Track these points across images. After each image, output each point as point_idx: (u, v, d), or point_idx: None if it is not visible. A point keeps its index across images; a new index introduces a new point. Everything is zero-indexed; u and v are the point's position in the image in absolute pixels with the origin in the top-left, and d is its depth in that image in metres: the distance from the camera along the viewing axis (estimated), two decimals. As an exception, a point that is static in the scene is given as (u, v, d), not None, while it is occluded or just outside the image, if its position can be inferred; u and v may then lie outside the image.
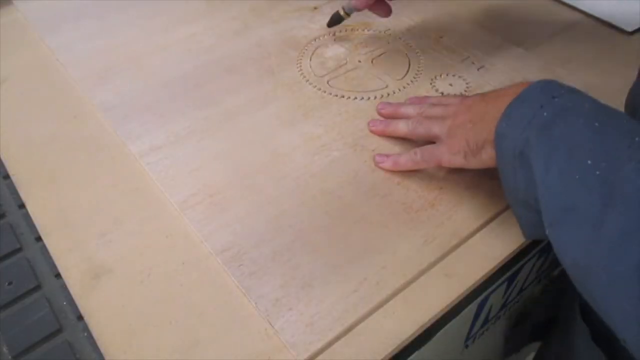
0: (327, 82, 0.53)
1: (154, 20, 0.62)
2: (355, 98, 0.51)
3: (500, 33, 0.58)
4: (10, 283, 0.38)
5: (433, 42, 0.57)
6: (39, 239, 0.41)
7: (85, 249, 0.40)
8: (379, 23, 0.60)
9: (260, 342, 0.34)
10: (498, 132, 0.35)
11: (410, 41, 0.57)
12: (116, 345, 0.34)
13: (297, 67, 0.54)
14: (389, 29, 0.59)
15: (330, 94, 0.51)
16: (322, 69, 0.54)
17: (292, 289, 0.37)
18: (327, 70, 0.54)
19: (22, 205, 0.43)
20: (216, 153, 0.46)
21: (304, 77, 0.53)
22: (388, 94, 0.51)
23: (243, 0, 0.64)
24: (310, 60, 0.55)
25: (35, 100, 0.53)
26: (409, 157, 0.43)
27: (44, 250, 0.40)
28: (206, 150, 0.46)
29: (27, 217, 0.42)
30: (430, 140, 0.43)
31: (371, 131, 0.47)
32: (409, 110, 0.47)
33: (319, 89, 0.52)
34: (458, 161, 0.39)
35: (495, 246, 0.40)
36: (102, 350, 0.34)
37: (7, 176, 0.45)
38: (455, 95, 0.49)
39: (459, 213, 0.41)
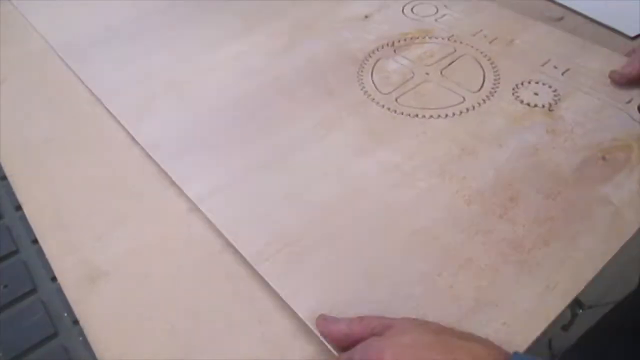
0: (396, 100, 0.47)
1: (188, 41, 0.57)
2: (431, 116, 0.45)
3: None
4: (5, 286, 0.37)
5: (506, 46, 0.51)
6: (35, 241, 0.40)
7: (82, 252, 0.39)
8: (440, 29, 0.54)
9: (257, 347, 0.33)
10: None
11: (478, 47, 0.51)
12: (112, 350, 0.33)
13: (359, 85, 0.49)
14: (452, 35, 0.53)
15: (402, 113, 0.45)
16: (387, 85, 0.48)
17: (401, 357, 0.31)
18: (393, 86, 0.48)
19: (18, 207, 0.42)
20: (284, 192, 0.40)
21: (369, 95, 0.47)
22: (467, 109, 0.45)
23: (283, 15, 0.59)
24: (372, 75, 0.50)
25: (33, 101, 0.52)
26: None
27: (40, 252, 0.39)
28: (272, 189, 0.41)
29: (24, 219, 0.41)
30: None
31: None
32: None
33: (388, 109, 0.46)
34: None
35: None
36: (98, 355, 0.33)
37: (4, 177, 0.45)
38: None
39: (578, 250, 0.35)
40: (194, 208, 0.41)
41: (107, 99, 0.50)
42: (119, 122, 0.48)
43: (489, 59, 0.50)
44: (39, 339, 0.35)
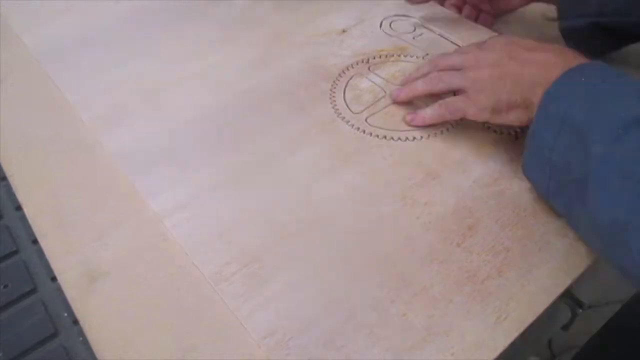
0: (366, 120, 0.47)
1: (164, 50, 0.56)
2: (399, 139, 0.45)
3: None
4: (5, 286, 0.37)
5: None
6: (35, 241, 0.40)
7: (82, 252, 0.39)
8: (416, 48, 0.55)
9: (256, 347, 0.33)
10: (547, 98, 0.36)
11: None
12: (112, 350, 0.34)
13: (331, 102, 0.49)
14: (428, 54, 0.54)
15: (371, 134, 0.46)
16: (358, 104, 0.49)
17: (350, 385, 0.32)
18: (363, 105, 0.49)
19: (18, 207, 0.42)
20: (249, 210, 0.41)
21: (339, 114, 0.48)
22: (435, 133, 0.46)
23: (260, 25, 0.59)
24: (345, 93, 0.50)
25: (33, 101, 0.52)
26: (433, 111, 0.45)
27: (40, 253, 0.39)
28: (237, 206, 0.41)
29: (24, 219, 0.41)
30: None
31: (395, 102, 0.48)
32: (423, 68, 0.48)
33: (357, 129, 0.46)
34: (484, 116, 0.41)
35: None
36: (98, 355, 0.34)
37: (4, 178, 0.45)
38: (470, 45, 0.47)
39: (532, 282, 0.36)
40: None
41: (81, 106, 0.50)
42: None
43: (462, 82, 0.50)
44: (39, 339, 0.35)
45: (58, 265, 0.38)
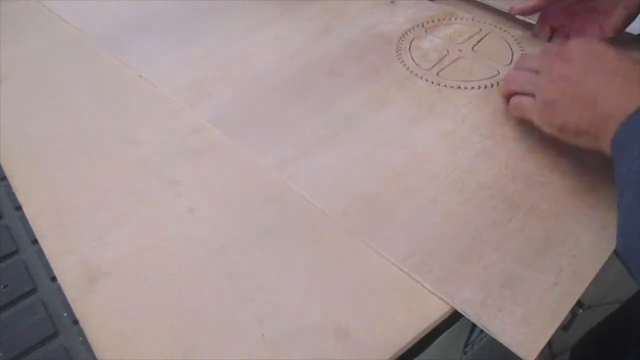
0: (437, 74, 0.51)
1: (225, 28, 0.59)
2: (473, 88, 0.50)
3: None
4: (5, 286, 0.37)
5: (526, 27, 0.57)
6: (35, 241, 0.40)
7: (82, 252, 0.39)
8: (463, 12, 0.59)
9: (256, 347, 0.33)
10: (619, 138, 0.33)
11: (500, 25, 0.57)
12: (112, 350, 0.34)
13: (400, 63, 0.53)
14: (474, 17, 0.58)
15: (445, 85, 0.50)
16: (426, 61, 0.53)
17: (493, 289, 0.35)
18: (431, 62, 0.53)
19: (18, 207, 0.42)
20: (355, 159, 0.44)
21: (412, 71, 0.52)
22: (503, 81, 0.50)
23: (312, 1, 0.62)
24: (411, 53, 0.54)
25: (33, 101, 0.52)
26: (512, 101, 0.43)
27: (40, 253, 0.39)
28: (343, 156, 0.44)
29: (24, 219, 0.41)
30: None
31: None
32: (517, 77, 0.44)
33: (432, 82, 0.50)
34: (550, 131, 0.39)
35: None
36: (98, 355, 0.33)
37: (4, 177, 0.45)
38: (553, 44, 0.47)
39: (623, 193, 0.41)
40: (194, 208, 0.41)
41: (162, 82, 0.52)
42: (119, 122, 0.49)
43: (512, 37, 0.55)
44: (39, 339, 0.35)
45: (58, 265, 0.38)
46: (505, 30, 0.56)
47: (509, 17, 0.57)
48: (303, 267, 0.37)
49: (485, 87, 0.50)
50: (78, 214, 0.41)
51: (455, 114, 0.47)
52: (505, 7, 0.58)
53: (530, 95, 0.41)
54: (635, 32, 0.58)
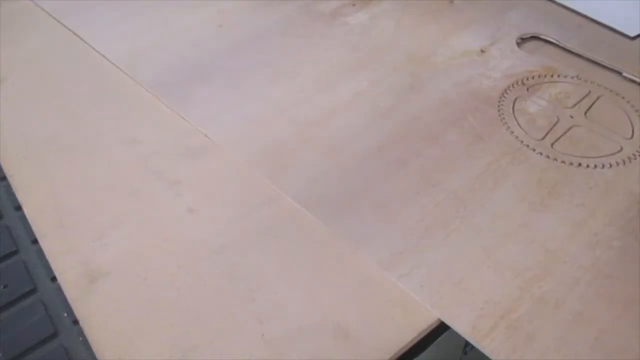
0: (552, 146, 0.45)
1: (299, 78, 0.52)
2: (596, 166, 0.43)
3: None
4: (5, 286, 0.37)
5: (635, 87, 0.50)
6: (35, 241, 0.40)
7: (82, 252, 0.38)
8: (563, 68, 0.53)
9: (256, 347, 0.33)
10: None
11: (610, 86, 0.50)
12: (112, 350, 0.33)
13: (506, 129, 0.46)
14: (579, 74, 0.52)
15: (564, 162, 0.44)
16: (535, 129, 0.46)
17: None
18: (542, 130, 0.46)
19: (18, 207, 0.42)
20: (475, 253, 0.37)
21: (521, 141, 0.45)
22: (629, 159, 0.44)
23: (389, 47, 0.56)
24: (515, 118, 0.47)
25: (33, 101, 0.51)
26: None
27: (40, 253, 0.39)
28: (461, 251, 0.38)
29: (24, 219, 0.41)
30: None
31: None
32: None
33: (548, 157, 0.44)
34: None
35: None
36: (98, 355, 0.33)
37: (4, 177, 0.44)
38: None
39: None
40: (194, 208, 0.41)
41: (232, 147, 0.45)
42: (119, 121, 0.48)
43: (628, 101, 0.49)
44: (39, 339, 0.35)
45: (58, 265, 0.38)
46: (617, 94, 0.50)
47: (618, 76, 0.51)
48: (303, 267, 0.37)
49: (610, 166, 0.43)
50: (78, 214, 0.41)
51: (583, 200, 0.41)
52: (615, 64, 0.52)
53: None
54: (631, 35, 0.54)
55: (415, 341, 0.33)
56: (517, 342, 0.33)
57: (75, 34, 0.58)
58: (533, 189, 0.42)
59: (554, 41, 0.56)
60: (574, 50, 0.55)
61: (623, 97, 0.49)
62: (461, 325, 0.34)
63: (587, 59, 0.54)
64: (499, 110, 0.48)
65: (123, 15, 0.61)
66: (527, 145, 0.45)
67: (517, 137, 0.46)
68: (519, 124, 0.47)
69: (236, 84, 0.52)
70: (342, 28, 0.59)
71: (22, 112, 0.49)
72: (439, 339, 0.35)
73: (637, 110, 0.48)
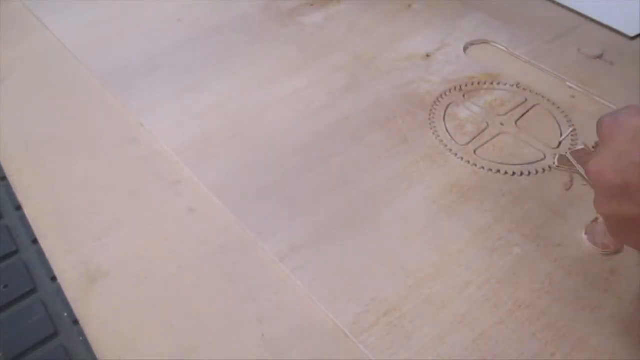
0: (474, 152, 0.45)
1: (243, 74, 0.53)
2: (514, 173, 0.43)
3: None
4: (5, 286, 0.37)
5: (576, 97, 0.50)
6: (35, 241, 0.40)
7: (82, 252, 0.39)
8: (506, 75, 0.53)
9: (257, 347, 0.33)
10: None
11: (549, 96, 0.50)
12: (112, 350, 0.33)
13: (433, 133, 0.47)
14: (519, 82, 0.52)
15: (483, 168, 0.44)
16: (462, 135, 0.47)
17: None
18: (469, 136, 0.46)
19: (18, 207, 0.42)
20: (375, 253, 0.38)
21: (445, 145, 0.46)
22: (550, 167, 0.44)
23: (338, 48, 0.57)
24: (445, 123, 0.48)
25: (33, 101, 0.51)
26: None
27: (40, 252, 0.39)
28: (360, 249, 0.38)
29: (24, 219, 0.41)
30: None
31: None
32: None
33: (468, 162, 0.44)
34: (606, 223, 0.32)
35: None
36: (98, 355, 0.33)
37: (4, 177, 0.45)
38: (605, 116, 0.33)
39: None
40: (194, 208, 0.41)
41: (163, 135, 0.47)
42: (119, 121, 0.49)
43: (562, 112, 0.49)
44: (39, 339, 0.35)
45: (58, 265, 0.38)
46: (554, 104, 0.50)
47: (562, 84, 0.51)
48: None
49: (529, 173, 0.43)
50: (78, 214, 0.41)
51: (492, 205, 0.41)
52: (556, 70, 0.52)
53: None
54: (631, 35, 0.53)
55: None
56: (394, 339, 0.33)
57: (42, 23, 0.60)
58: (445, 192, 0.42)
59: (503, 48, 0.56)
60: (521, 58, 0.55)
61: (559, 107, 0.49)
62: (343, 320, 0.34)
63: (533, 66, 0.54)
64: (430, 115, 0.49)
65: (89, 6, 0.63)
66: (450, 150, 0.45)
67: (442, 141, 0.46)
68: (446, 129, 0.47)
69: (179, 77, 0.53)
70: (296, 27, 0.60)
71: (22, 112, 0.50)
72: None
73: (569, 121, 0.48)
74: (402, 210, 0.41)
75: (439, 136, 0.46)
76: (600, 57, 0.55)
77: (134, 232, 0.40)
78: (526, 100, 0.50)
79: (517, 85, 0.52)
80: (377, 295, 0.36)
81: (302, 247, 0.38)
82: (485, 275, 0.37)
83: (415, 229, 0.39)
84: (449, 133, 0.47)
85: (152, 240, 0.39)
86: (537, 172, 0.43)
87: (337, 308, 0.35)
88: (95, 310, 0.35)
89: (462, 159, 0.44)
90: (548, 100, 0.50)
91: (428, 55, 0.55)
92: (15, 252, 0.40)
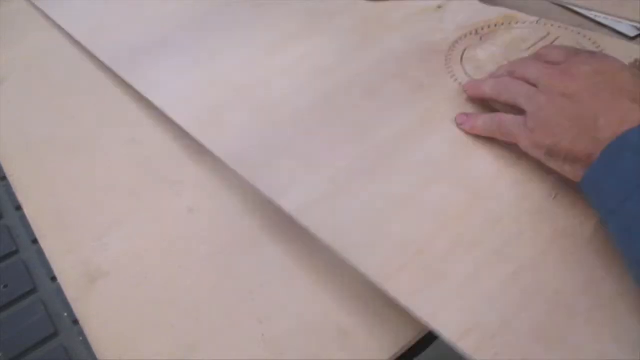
0: (497, 90, 0.42)
1: (248, 44, 0.52)
2: (542, 105, 0.40)
3: None
4: (5, 286, 0.37)
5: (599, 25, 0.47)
6: (35, 241, 0.40)
7: (82, 252, 0.39)
8: (525, 14, 0.50)
9: (257, 347, 0.33)
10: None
11: (573, 27, 0.47)
12: (112, 350, 0.34)
13: (450, 76, 0.44)
14: (540, 18, 0.49)
15: (506, 104, 0.41)
16: (481, 74, 0.44)
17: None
18: (488, 75, 0.44)
19: (19, 207, 0.43)
20: (399, 199, 0.36)
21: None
22: (581, 95, 0.40)
23: (343, 12, 0.55)
24: (463, 65, 0.45)
25: (33, 101, 0.52)
26: (485, 123, 0.38)
27: (40, 252, 0.39)
28: (384, 197, 0.36)
29: (24, 219, 0.41)
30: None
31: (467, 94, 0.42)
32: (500, 69, 0.41)
33: (489, 100, 0.41)
34: (537, 155, 0.34)
35: None
36: (98, 355, 0.33)
37: (4, 177, 0.45)
38: (565, 48, 0.39)
39: None
40: (194, 208, 0.41)
41: (172, 109, 0.46)
42: (119, 121, 0.49)
43: (589, 40, 0.45)
44: (39, 339, 0.35)
45: (58, 265, 0.38)
46: (579, 33, 0.46)
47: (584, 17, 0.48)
48: (303, 266, 0.36)
49: (558, 103, 0.40)
50: (78, 214, 0.41)
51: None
52: (580, 5, 0.49)
53: (515, 110, 0.36)
54: (631, 35, 0.49)
55: (415, 340, 0.33)
56: (426, 280, 0.31)
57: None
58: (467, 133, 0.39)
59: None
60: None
61: (584, 36, 0.46)
62: (369, 265, 0.32)
63: (555, 6, 0.51)
64: (446, 59, 0.46)
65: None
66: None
67: (460, 84, 0.43)
68: (465, 71, 0.45)
69: (186, 53, 0.52)
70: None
71: (22, 112, 0.51)
72: (439, 338, 0.32)
73: (598, 47, 0.44)
74: (423, 154, 0.38)
75: (457, 79, 0.44)
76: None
77: (134, 232, 0.40)
78: (548, 34, 0.47)
79: (537, 22, 0.49)
80: (404, 238, 0.33)
81: (320, 201, 0.36)
82: (517, 210, 0.34)
83: (439, 172, 0.37)
84: (468, 75, 0.44)
85: (152, 240, 0.39)
86: (567, 101, 0.40)
87: (360, 253, 0.33)
88: (95, 310, 0.35)
89: (483, 98, 0.42)
90: (572, 30, 0.47)
91: (439, 7, 0.53)
92: (15, 252, 0.40)
